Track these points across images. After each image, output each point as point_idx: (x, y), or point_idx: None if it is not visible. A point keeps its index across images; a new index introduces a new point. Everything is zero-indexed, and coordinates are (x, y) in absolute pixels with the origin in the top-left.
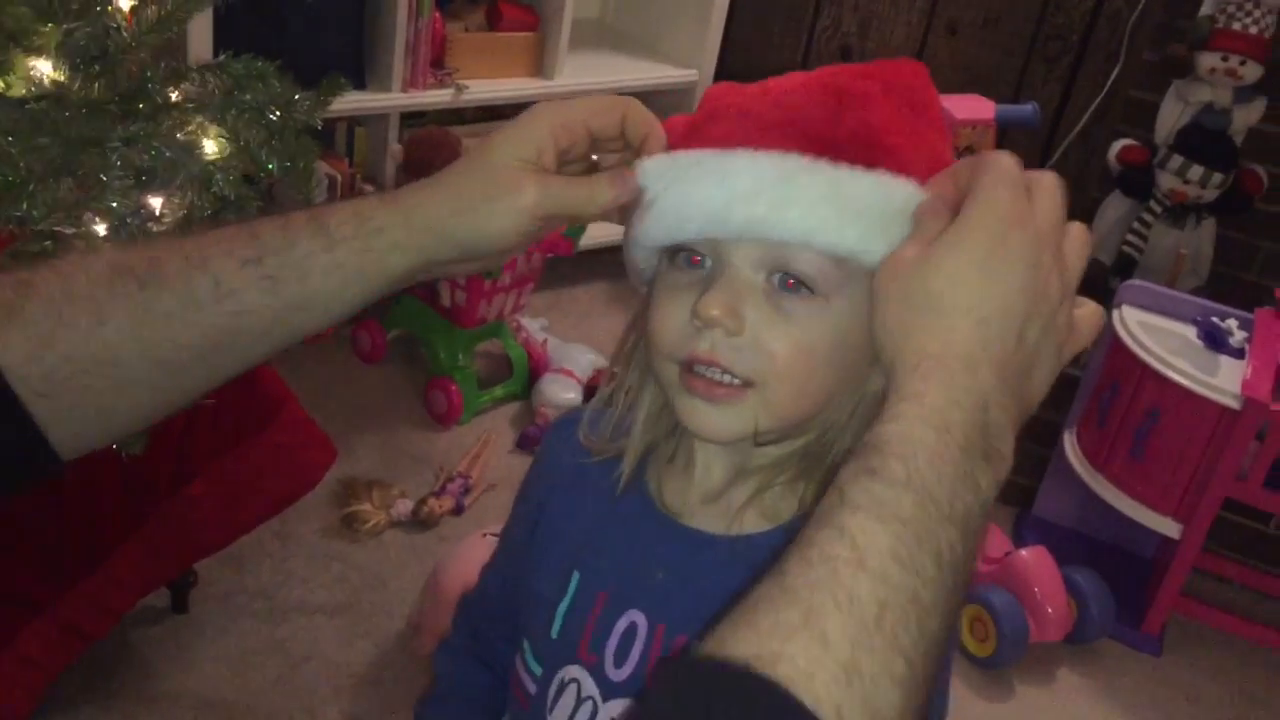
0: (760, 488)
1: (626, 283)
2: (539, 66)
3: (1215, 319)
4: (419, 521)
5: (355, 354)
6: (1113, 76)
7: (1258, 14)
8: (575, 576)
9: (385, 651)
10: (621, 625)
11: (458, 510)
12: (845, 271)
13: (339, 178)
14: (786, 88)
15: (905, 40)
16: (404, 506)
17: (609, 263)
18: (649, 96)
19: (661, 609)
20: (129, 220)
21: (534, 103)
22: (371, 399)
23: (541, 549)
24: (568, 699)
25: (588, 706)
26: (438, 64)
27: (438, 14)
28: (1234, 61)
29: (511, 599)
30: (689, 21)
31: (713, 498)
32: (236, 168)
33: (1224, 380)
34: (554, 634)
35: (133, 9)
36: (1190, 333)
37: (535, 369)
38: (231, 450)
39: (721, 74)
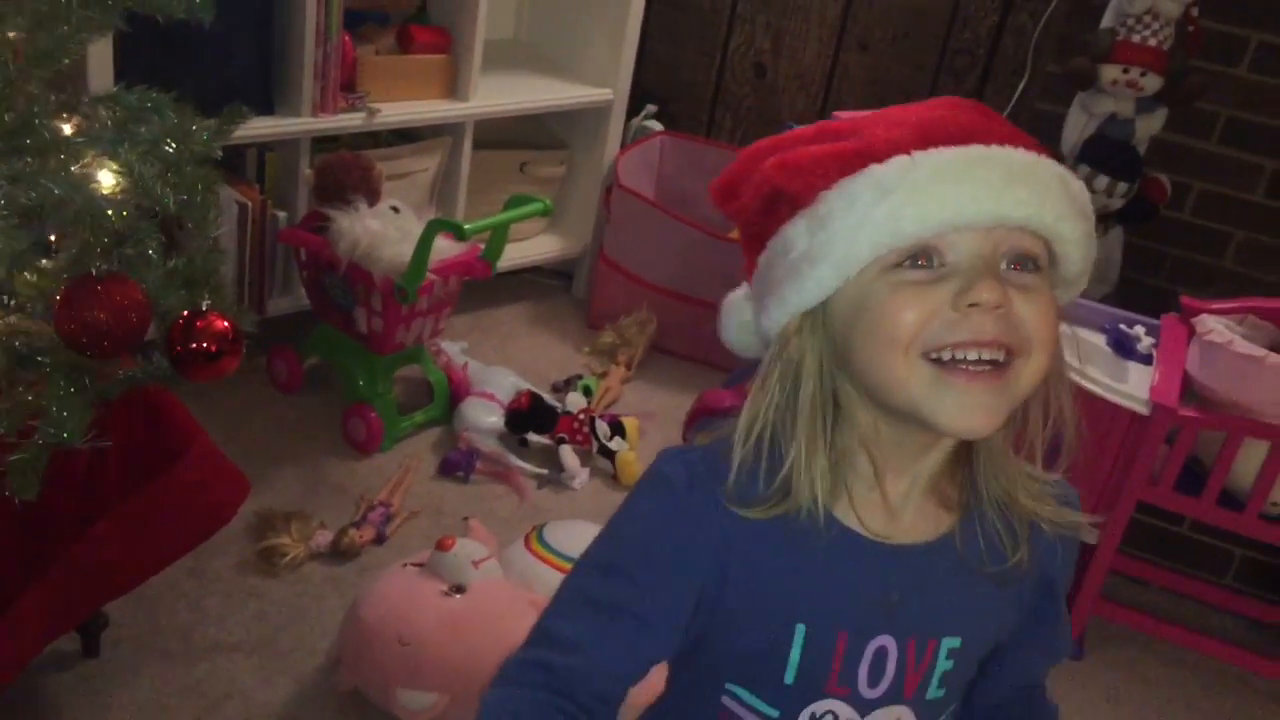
0: (932, 482)
1: (547, 304)
2: (452, 88)
3: (1123, 326)
4: (339, 552)
5: (271, 383)
6: (1019, 89)
7: (1156, 26)
8: (800, 628)
9: (305, 688)
10: (870, 652)
11: (379, 540)
12: (1046, 249)
13: (249, 205)
14: (926, 107)
15: (818, 57)
16: (324, 538)
17: (528, 284)
18: (564, 116)
19: (905, 626)
20: (20, 259)
21: (449, 124)
22: (288, 428)
23: (745, 610)
24: None
25: None
26: (349, 87)
27: (347, 37)
28: (1135, 73)
29: (633, 675)
30: (603, 41)
31: (907, 509)
32: (131, 202)
33: (1134, 386)
34: (789, 680)
35: (21, 39)
36: (1100, 340)
37: (456, 393)
38: (139, 488)
39: (636, 93)
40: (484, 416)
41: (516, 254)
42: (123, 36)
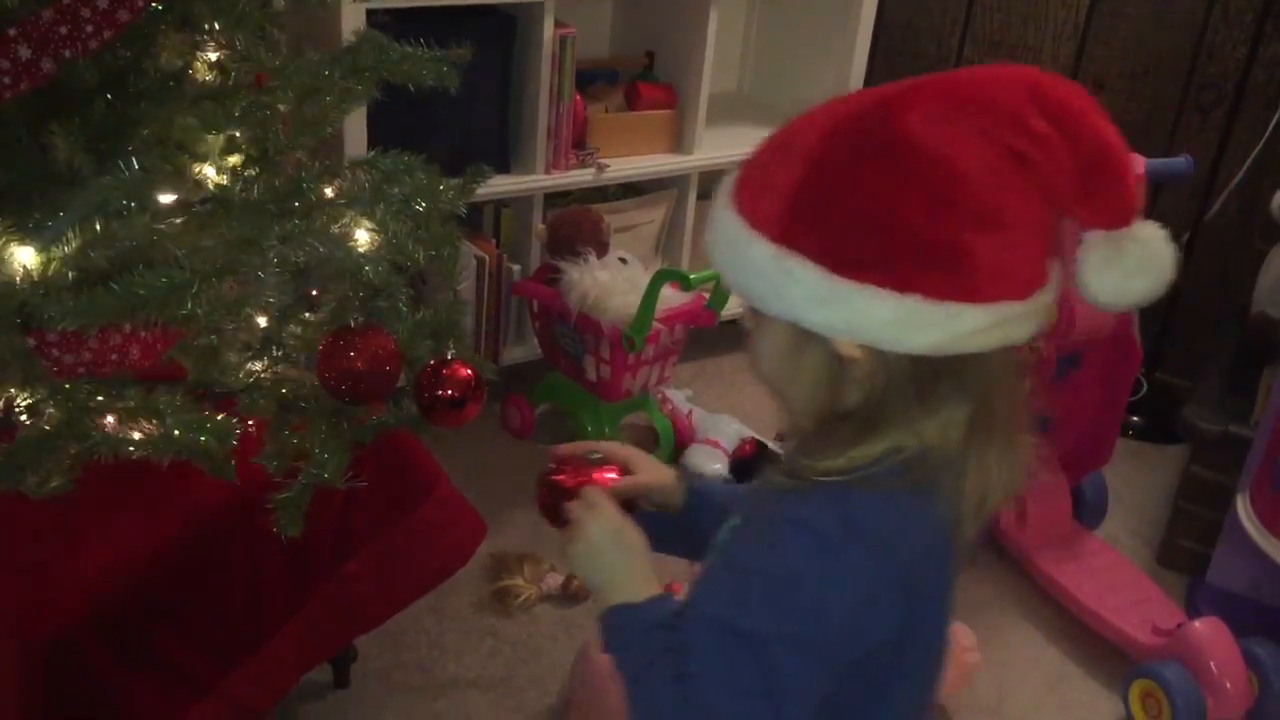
0: None
1: None
2: (678, 142)
3: None
4: (569, 595)
5: (504, 428)
6: (1273, 124)
7: None
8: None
9: None
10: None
11: None
12: None
13: (487, 259)
14: None
15: None
16: (554, 580)
17: None
18: None
19: None
20: (287, 313)
21: (674, 177)
22: (521, 472)
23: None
24: None
25: None
26: (579, 145)
27: (578, 97)
28: None
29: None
30: (826, 92)
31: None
32: (385, 258)
33: None
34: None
35: (290, 112)
36: None
37: (681, 440)
38: (387, 529)
39: None
40: (709, 463)
41: (740, 302)
42: (375, 103)
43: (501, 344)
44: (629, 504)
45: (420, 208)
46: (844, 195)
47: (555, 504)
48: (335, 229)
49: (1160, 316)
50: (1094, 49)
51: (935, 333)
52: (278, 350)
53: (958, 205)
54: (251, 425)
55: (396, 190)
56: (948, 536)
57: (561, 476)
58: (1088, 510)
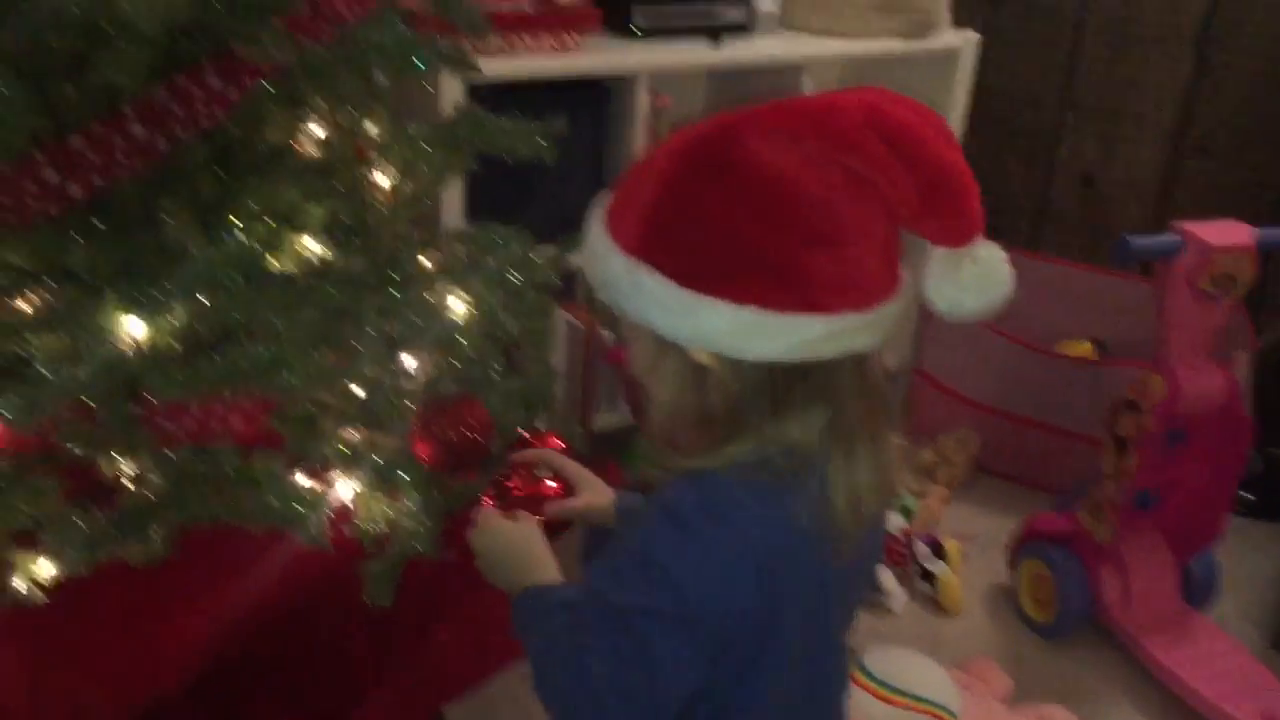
0: None
1: None
2: None
3: None
4: None
5: None
6: None
7: None
8: None
9: None
10: None
11: None
12: None
13: (579, 326)
14: None
15: (1152, 164)
16: None
17: None
18: None
19: None
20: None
21: None
22: None
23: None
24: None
25: None
26: None
27: None
28: None
29: None
30: None
31: None
32: (479, 329)
33: None
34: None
35: (390, 185)
36: None
37: None
38: (478, 595)
39: None
40: None
41: None
42: (472, 174)
43: (593, 410)
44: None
45: (515, 279)
46: (689, 212)
47: (501, 506)
48: (432, 300)
49: (1271, 390)
50: (1200, 112)
51: (775, 342)
52: (372, 419)
53: (792, 222)
54: (345, 494)
55: (491, 261)
56: (809, 533)
57: (512, 483)
58: (1197, 590)
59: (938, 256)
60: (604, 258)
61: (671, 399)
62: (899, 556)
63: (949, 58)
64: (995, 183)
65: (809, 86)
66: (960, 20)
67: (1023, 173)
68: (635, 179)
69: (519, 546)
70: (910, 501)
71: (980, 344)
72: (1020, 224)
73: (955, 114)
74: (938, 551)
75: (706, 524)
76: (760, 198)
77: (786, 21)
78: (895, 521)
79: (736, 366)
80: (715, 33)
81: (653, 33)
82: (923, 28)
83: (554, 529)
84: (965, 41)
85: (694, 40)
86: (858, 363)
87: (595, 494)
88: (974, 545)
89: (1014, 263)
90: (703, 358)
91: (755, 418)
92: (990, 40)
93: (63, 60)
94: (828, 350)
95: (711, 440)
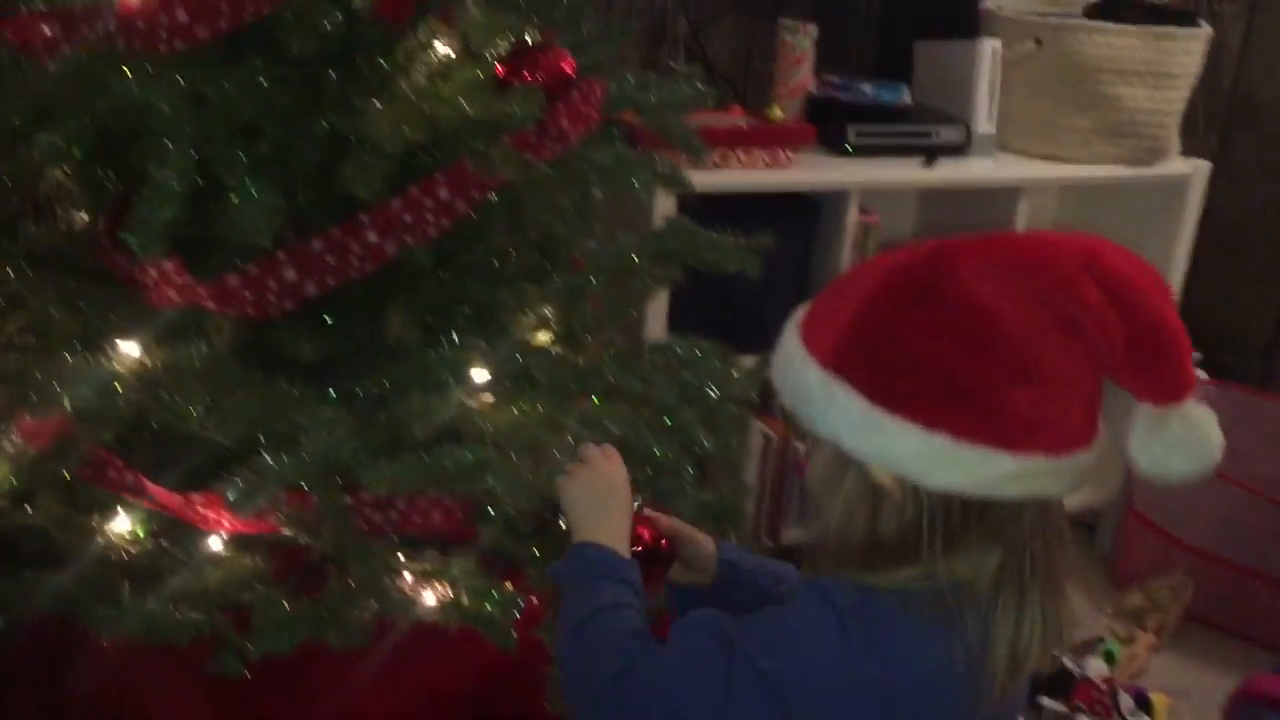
0: None
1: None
2: None
3: None
4: None
5: None
6: None
7: None
8: None
9: None
10: None
11: None
12: None
13: (774, 438)
14: None
15: None
16: None
17: None
18: None
19: None
20: None
21: None
22: None
23: None
24: None
25: None
26: None
27: None
28: None
29: None
30: None
31: None
32: (672, 442)
33: None
34: None
35: (599, 294)
36: None
37: None
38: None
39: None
40: None
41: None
42: (676, 282)
43: (782, 524)
44: (666, 558)
45: (712, 392)
46: (891, 332)
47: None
48: (629, 410)
49: None
50: None
51: (961, 473)
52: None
53: (997, 354)
54: (535, 598)
55: (690, 375)
56: (959, 677)
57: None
58: None
59: (1144, 414)
60: (798, 368)
61: (843, 517)
62: (1101, 707)
63: (1176, 185)
64: (1225, 317)
65: (1025, 210)
66: (1188, 149)
67: (1256, 308)
68: (837, 294)
69: (601, 485)
70: (1115, 647)
71: (1200, 486)
72: (1251, 362)
73: (1183, 244)
74: (1144, 705)
75: (850, 624)
76: (967, 326)
77: (1004, 144)
78: (1097, 667)
79: (916, 493)
80: (930, 153)
81: (866, 150)
82: (1152, 155)
83: (653, 559)
84: (1195, 169)
85: (907, 159)
86: (1042, 507)
87: (696, 539)
88: (1185, 702)
89: (1241, 402)
90: (883, 479)
91: (925, 549)
92: (1219, 167)
93: (310, 170)
94: (1012, 490)
95: (874, 567)
